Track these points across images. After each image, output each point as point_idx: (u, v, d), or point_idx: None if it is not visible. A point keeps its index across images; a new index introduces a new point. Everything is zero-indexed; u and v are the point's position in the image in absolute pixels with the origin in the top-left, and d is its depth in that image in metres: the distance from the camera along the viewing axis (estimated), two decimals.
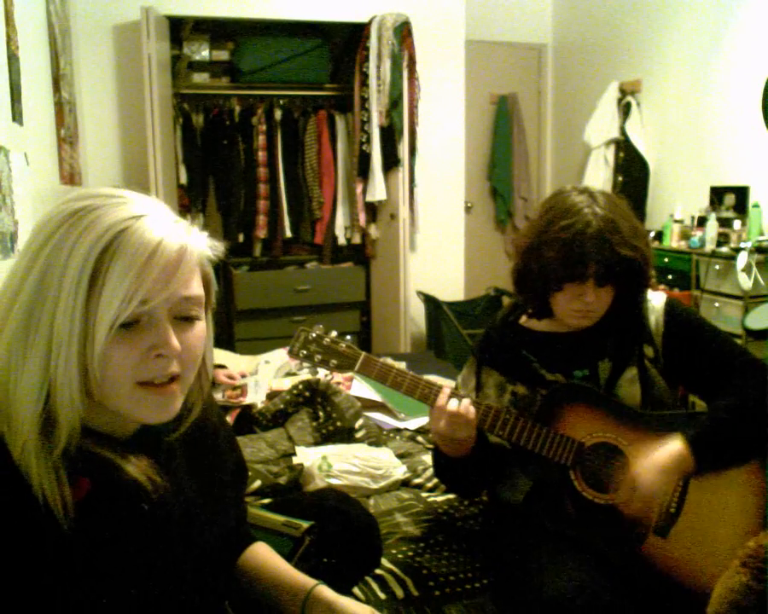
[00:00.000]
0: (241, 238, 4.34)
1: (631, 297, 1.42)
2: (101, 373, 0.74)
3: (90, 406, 0.77)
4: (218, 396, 2.37)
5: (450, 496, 1.81)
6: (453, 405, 1.32)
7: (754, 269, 3.14)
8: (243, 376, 2.50)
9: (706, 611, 1.05)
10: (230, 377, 2.45)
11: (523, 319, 1.53)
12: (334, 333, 1.36)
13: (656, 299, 1.47)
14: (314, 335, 1.34)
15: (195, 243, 0.81)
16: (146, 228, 0.75)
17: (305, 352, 1.34)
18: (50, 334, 0.73)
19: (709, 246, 3.51)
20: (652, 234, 3.92)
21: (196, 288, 0.80)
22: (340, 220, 4.46)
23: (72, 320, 0.72)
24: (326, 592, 1.01)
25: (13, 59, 2.16)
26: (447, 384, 1.42)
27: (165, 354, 0.77)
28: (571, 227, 1.33)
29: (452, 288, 4.62)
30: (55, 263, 0.73)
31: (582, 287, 1.36)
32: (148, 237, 0.75)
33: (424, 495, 1.84)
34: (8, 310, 0.75)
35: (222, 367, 2.49)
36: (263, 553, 1.09)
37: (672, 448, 1.32)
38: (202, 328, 0.82)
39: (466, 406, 1.32)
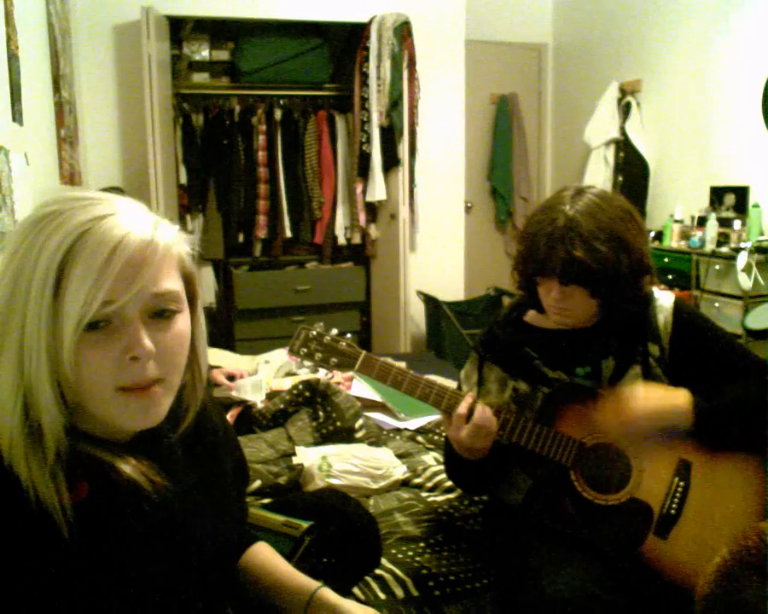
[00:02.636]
0: (241, 238, 4.34)
1: (615, 300, 1.39)
2: (75, 378, 0.72)
3: (78, 411, 0.76)
4: (217, 394, 2.37)
5: (451, 496, 1.81)
6: (478, 417, 1.31)
7: (754, 269, 3.14)
8: (242, 376, 2.50)
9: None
10: (231, 377, 2.44)
11: (527, 315, 1.53)
12: (334, 332, 1.35)
13: (665, 299, 1.47)
14: (314, 333, 1.34)
15: (164, 236, 0.77)
16: (109, 226, 0.73)
17: (305, 350, 1.34)
18: (21, 341, 0.72)
19: (709, 246, 3.51)
20: (652, 234, 3.92)
21: (169, 283, 0.77)
22: (340, 220, 4.46)
23: (40, 325, 0.71)
24: (329, 594, 1.01)
25: (13, 59, 2.16)
26: (447, 383, 1.42)
27: (138, 355, 0.74)
28: (540, 222, 1.37)
29: (452, 288, 4.62)
30: (24, 269, 0.72)
31: (549, 283, 1.37)
32: (110, 235, 0.73)
33: (424, 495, 1.84)
34: None
35: (218, 367, 2.48)
36: (264, 554, 1.08)
37: (676, 396, 1.33)
38: (183, 325, 0.79)
39: (489, 418, 1.32)
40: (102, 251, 0.72)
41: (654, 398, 1.34)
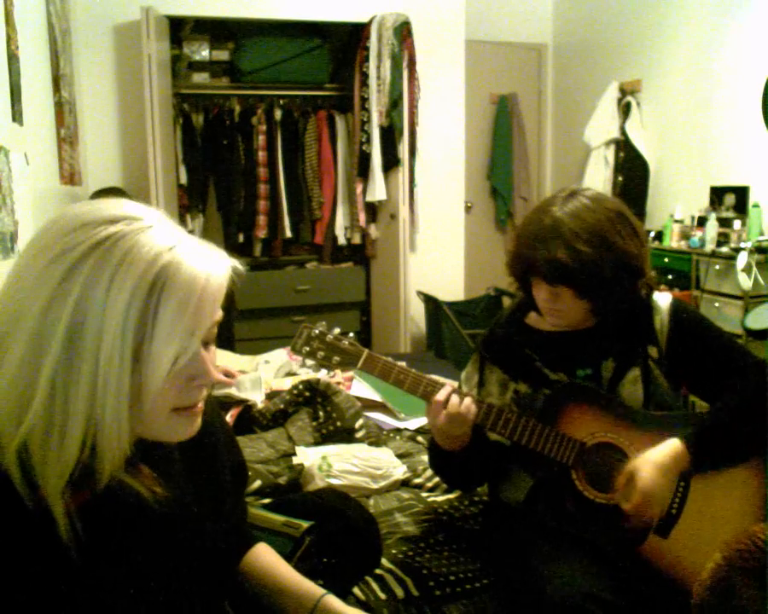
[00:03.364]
0: (241, 238, 4.34)
1: (606, 301, 1.39)
2: (147, 409, 0.73)
3: None
4: (216, 393, 2.36)
5: (450, 496, 1.81)
6: (453, 402, 1.32)
7: (754, 269, 3.14)
8: (242, 373, 2.50)
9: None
10: (229, 374, 2.44)
11: (529, 317, 1.53)
12: (336, 330, 1.35)
13: (662, 300, 1.47)
14: (317, 332, 1.34)
15: (228, 270, 0.78)
16: (188, 261, 0.72)
17: (307, 349, 1.34)
18: (94, 381, 0.69)
19: (709, 246, 3.50)
20: (652, 235, 3.92)
21: (219, 313, 0.78)
22: (340, 220, 4.46)
23: (122, 365, 0.69)
24: (334, 602, 1.00)
25: (13, 59, 2.16)
26: (448, 383, 1.42)
27: (207, 384, 0.77)
28: (527, 224, 1.39)
29: (452, 288, 4.62)
30: (90, 305, 0.68)
31: (540, 284, 1.38)
32: (195, 273, 0.72)
33: (424, 494, 1.84)
34: (33, 346, 0.68)
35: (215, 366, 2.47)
36: (266, 556, 1.08)
37: (669, 445, 1.32)
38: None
39: (467, 405, 1.33)
40: (193, 293, 0.72)
41: (656, 464, 1.31)
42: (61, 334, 0.68)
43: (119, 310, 0.68)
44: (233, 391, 2.37)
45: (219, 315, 0.77)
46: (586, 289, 1.35)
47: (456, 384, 1.51)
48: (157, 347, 0.70)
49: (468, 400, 1.33)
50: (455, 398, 1.33)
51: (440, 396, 1.33)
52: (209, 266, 0.74)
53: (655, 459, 1.31)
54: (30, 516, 0.71)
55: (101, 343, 0.68)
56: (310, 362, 1.33)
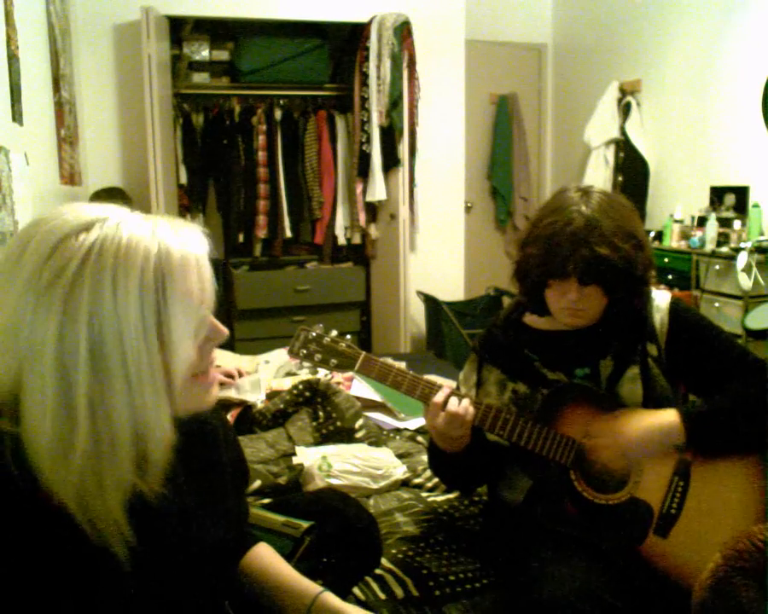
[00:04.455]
0: (241, 238, 4.34)
1: (626, 300, 1.40)
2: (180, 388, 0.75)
3: None
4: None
5: (450, 496, 1.81)
6: (452, 404, 1.32)
7: (754, 269, 3.14)
8: (241, 375, 2.50)
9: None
10: (229, 375, 2.44)
11: (527, 317, 1.52)
12: (334, 333, 1.35)
13: (661, 299, 1.47)
14: (314, 334, 1.34)
15: (206, 242, 0.82)
16: (173, 244, 0.75)
17: (304, 351, 1.34)
18: (129, 385, 0.70)
19: (709, 246, 3.51)
20: (652, 234, 3.92)
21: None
22: (340, 220, 4.46)
23: (151, 361, 0.71)
24: (332, 599, 1.01)
25: (13, 59, 2.16)
26: (447, 384, 1.42)
27: (221, 341, 0.82)
28: (554, 224, 1.34)
29: (452, 288, 4.62)
30: (104, 317, 0.69)
31: (565, 285, 1.35)
32: (185, 253, 0.75)
33: (424, 494, 1.84)
34: (61, 376, 0.68)
35: (216, 367, 2.48)
36: (266, 556, 1.08)
37: (665, 416, 1.33)
38: None
39: (465, 406, 1.32)
40: (191, 273, 0.75)
41: (645, 422, 1.33)
42: (84, 355, 0.68)
43: (132, 313, 0.70)
44: (232, 394, 2.37)
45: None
46: (618, 286, 1.35)
47: (454, 384, 1.51)
48: (178, 333, 0.73)
49: (466, 401, 1.33)
50: (453, 400, 1.33)
51: (438, 397, 1.33)
52: (192, 243, 0.77)
53: (647, 423, 1.33)
54: (90, 546, 0.72)
55: (125, 348, 0.69)
56: (307, 364, 1.33)
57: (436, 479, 1.88)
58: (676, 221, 3.83)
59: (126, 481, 0.72)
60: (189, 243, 0.77)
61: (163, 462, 0.75)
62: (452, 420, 1.32)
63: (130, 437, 0.71)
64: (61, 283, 0.69)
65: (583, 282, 1.33)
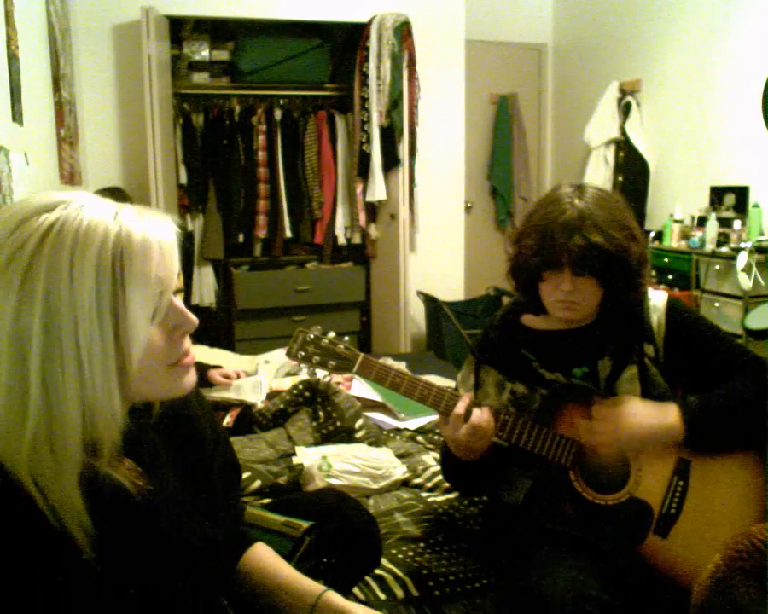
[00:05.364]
0: (241, 238, 4.34)
1: (621, 293, 1.40)
2: (139, 372, 0.75)
3: None
4: (215, 394, 2.37)
5: (450, 496, 1.81)
6: (475, 416, 1.30)
7: (754, 269, 3.14)
8: (239, 376, 2.50)
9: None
10: (227, 376, 2.44)
11: (524, 317, 1.52)
12: (332, 334, 1.35)
13: (658, 298, 1.47)
14: (312, 336, 1.33)
15: (173, 225, 0.82)
16: (135, 226, 0.74)
17: (303, 354, 1.33)
18: (79, 364, 0.70)
19: (709, 246, 3.50)
20: (652, 234, 3.92)
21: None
22: (340, 220, 4.46)
23: (103, 342, 0.71)
24: (335, 597, 1.00)
25: (13, 59, 2.16)
26: (447, 384, 1.42)
27: (191, 330, 0.80)
28: (547, 215, 1.36)
29: (452, 288, 4.62)
30: (58, 296, 0.69)
31: (559, 276, 1.35)
32: (146, 236, 0.75)
33: (424, 495, 1.84)
34: (15, 352, 0.69)
35: (217, 367, 2.48)
36: (265, 556, 1.08)
37: (667, 412, 1.34)
38: None
39: (488, 419, 1.32)
40: (151, 256, 0.74)
41: (645, 417, 1.33)
42: (38, 332, 0.69)
43: (87, 293, 0.70)
44: (231, 395, 2.37)
45: (178, 266, 0.80)
46: (612, 278, 1.35)
47: (453, 385, 1.51)
48: (134, 316, 0.72)
49: (486, 412, 1.32)
50: (476, 411, 1.31)
51: (459, 409, 1.31)
52: (156, 228, 0.76)
53: (648, 420, 1.33)
54: (48, 526, 0.72)
55: (78, 328, 0.70)
56: (305, 366, 1.33)
57: (436, 479, 1.88)
58: (676, 221, 3.82)
59: (78, 461, 0.72)
60: (152, 228, 0.76)
61: (113, 445, 0.74)
62: (475, 432, 1.31)
63: (79, 417, 0.71)
64: (20, 261, 0.69)
65: (576, 272, 1.33)
